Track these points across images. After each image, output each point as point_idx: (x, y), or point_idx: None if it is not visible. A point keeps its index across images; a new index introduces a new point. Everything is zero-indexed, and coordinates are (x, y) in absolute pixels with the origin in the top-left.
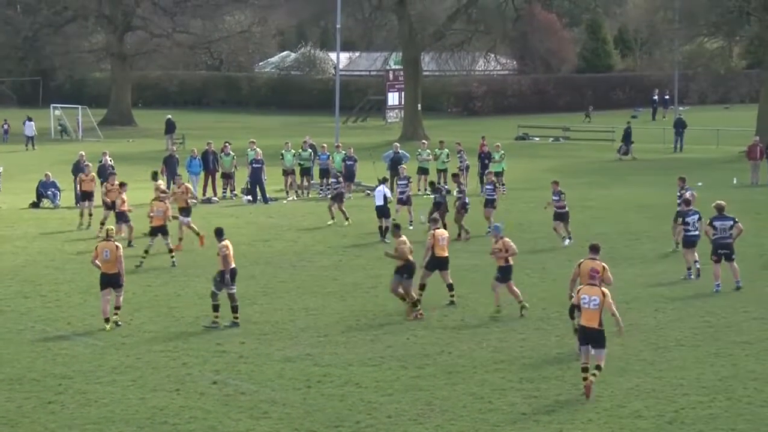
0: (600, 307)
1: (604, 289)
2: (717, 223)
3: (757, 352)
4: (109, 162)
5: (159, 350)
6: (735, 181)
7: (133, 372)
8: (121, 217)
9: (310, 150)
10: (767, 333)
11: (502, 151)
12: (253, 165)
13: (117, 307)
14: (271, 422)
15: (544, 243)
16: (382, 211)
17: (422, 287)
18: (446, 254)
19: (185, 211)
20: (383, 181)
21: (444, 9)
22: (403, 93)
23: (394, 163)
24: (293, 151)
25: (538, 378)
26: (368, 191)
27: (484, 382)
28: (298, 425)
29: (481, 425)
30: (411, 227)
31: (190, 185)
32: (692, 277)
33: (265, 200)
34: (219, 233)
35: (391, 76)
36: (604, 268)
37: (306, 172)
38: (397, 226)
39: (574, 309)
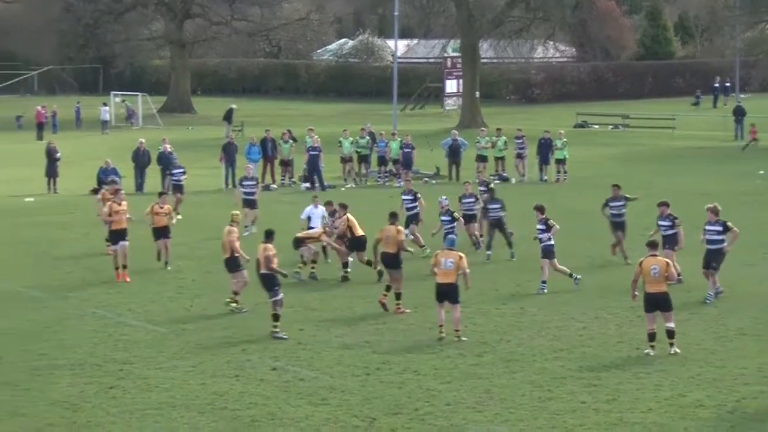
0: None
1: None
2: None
3: None
4: (168, 149)
5: (219, 336)
6: None
7: (193, 358)
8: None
9: (368, 137)
10: None
11: (565, 139)
12: (310, 152)
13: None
14: (330, 409)
15: (604, 231)
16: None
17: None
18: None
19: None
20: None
21: None
22: (461, 80)
23: (453, 151)
24: (351, 138)
25: (598, 367)
26: (426, 179)
27: (543, 370)
28: (357, 412)
29: (540, 413)
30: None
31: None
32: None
33: (323, 187)
34: None
35: (449, 63)
36: (667, 264)
37: (364, 159)
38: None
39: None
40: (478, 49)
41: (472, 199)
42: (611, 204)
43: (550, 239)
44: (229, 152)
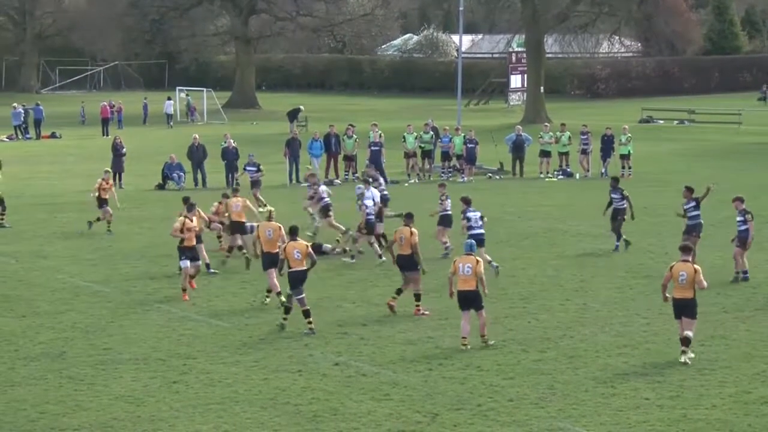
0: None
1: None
2: None
3: None
4: (232, 144)
5: (281, 331)
6: None
7: (255, 353)
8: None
9: (431, 132)
10: None
11: (629, 134)
12: (372, 148)
13: (278, 292)
14: (393, 404)
15: (669, 227)
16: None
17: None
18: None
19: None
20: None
21: None
22: (525, 75)
23: (516, 146)
24: (415, 133)
25: (662, 363)
26: (490, 174)
27: (606, 366)
28: (420, 407)
29: (603, 410)
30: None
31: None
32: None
33: (386, 182)
34: None
35: (513, 58)
36: (695, 270)
37: (427, 154)
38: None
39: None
40: (543, 44)
41: (449, 202)
42: (685, 207)
43: (482, 227)
44: (293, 148)
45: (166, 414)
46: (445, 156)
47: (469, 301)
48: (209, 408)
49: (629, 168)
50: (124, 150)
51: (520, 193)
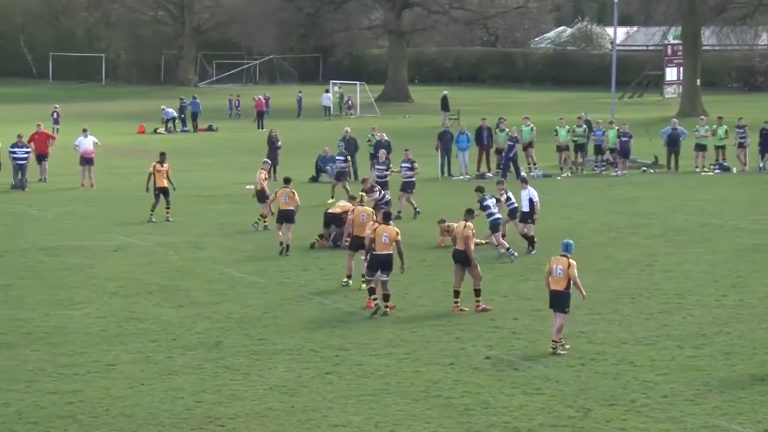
0: None
1: None
2: None
3: None
4: (385, 137)
5: (432, 324)
6: None
7: (407, 345)
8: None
9: (584, 126)
10: None
11: None
12: (508, 142)
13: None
14: (545, 398)
15: None
16: (525, 217)
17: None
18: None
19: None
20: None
21: None
22: (681, 68)
23: (672, 140)
24: (567, 127)
25: None
26: (644, 168)
27: (764, 363)
28: (572, 402)
29: (760, 407)
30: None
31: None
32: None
33: (504, 175)
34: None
35: (669, 50)
36: None
37: (580, 148)
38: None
39: None
40: (700, 36)
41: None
42: None
43: (499, 211)
44: (444, 141)
45: (319, 404)
46: (598, 149)
47: (555, 302)
48: (361, 399)
49: None
50: (280, 143)
51: (675, 188)
